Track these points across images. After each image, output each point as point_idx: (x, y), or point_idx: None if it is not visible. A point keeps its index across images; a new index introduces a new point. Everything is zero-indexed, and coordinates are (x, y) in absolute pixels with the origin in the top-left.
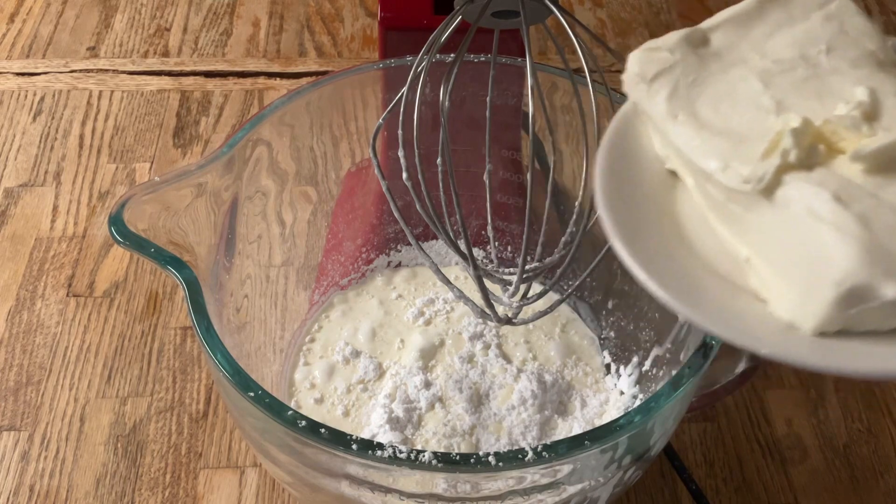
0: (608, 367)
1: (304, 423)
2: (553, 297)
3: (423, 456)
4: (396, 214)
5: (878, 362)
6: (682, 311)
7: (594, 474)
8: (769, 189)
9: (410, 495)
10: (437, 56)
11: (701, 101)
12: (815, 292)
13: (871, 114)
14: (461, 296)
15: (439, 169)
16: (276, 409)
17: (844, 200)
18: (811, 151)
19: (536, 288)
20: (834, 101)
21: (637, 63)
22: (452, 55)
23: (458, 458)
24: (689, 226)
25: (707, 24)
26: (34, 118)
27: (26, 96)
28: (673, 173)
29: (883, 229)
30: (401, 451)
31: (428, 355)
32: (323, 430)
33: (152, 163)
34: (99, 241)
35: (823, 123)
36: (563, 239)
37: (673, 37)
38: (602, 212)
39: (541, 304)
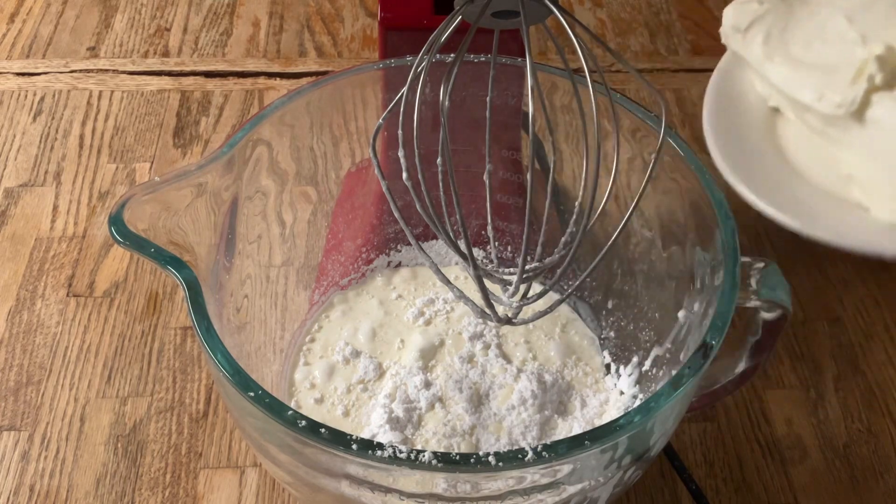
0: (608, 367)
1: (304, 423)
2: (553, 297)
3: (423, 456)
4: (396, 214)
5: None
6: (793, 225)
7: (594, 474)
8: (861, 110)
9: (410, 495)
10: (437, 56)
11: (793, 42)
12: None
13: None
14: (461, 296)
15: (439, 169)
16: (276, 409)
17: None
18: (894, 73)
19: (536, 288)
20: None
21: (732, 16)
22: (452, 55)
23: (458, 458)
24: (793, 152)
25: None
26: (34, 118)
27: (26, 96)
28: (775, 109)
29: None
30: (401, 451)
31: (428, 355)
32: (323, 430)
33: (152, 163)
34: (99, 241)
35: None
36: (563, 239)
37: None
38: (713, 150)
39: (541, 304)
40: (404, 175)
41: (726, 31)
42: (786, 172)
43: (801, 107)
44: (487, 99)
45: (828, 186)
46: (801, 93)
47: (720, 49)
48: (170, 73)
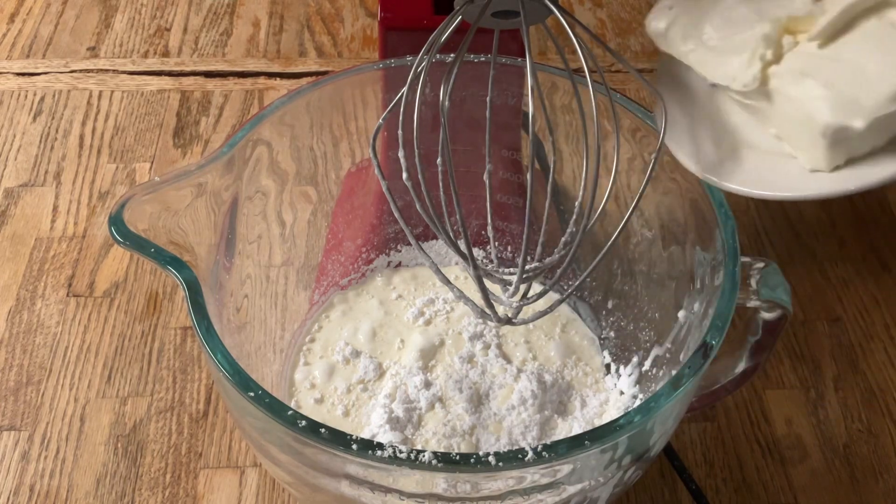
0: (608, 367)
1: (304, 423)
2: (553, 297)
3: (423, 456)
4: (396, 214)
5: (882, 171)
6: (737, 189)
7: (594, 474)
8: (763, 84)
9: (410, 495)
10: (437, 56)
11: (707, 32)
12: (816, 143)
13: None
14: (461, 296)
15: (439, 169)
16: (276, 409)
17: (812, 73)
18: (781, 47)
19: (536, 288)
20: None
21: (651, 23)
22: (452, 55)
23: (458, 458)
24: (734, 121)
25: None
26: (34, 118)
27: (26, 96)
28: (714, 85)
29: (843, 83)
30: (401, 451)
31: (428, 355)
32: (323, 430)
33: (152, 163)
34: (99, 241)
35: (787, 20)
36: (563, 239)
37: None
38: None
39: (541, 304)
40: (404, 175)
41: (653, 36)
42: (727, 141)
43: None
44: (487, 99)
45: (766, 147)
46: (716, 77)
47: None
48: (170, 73)
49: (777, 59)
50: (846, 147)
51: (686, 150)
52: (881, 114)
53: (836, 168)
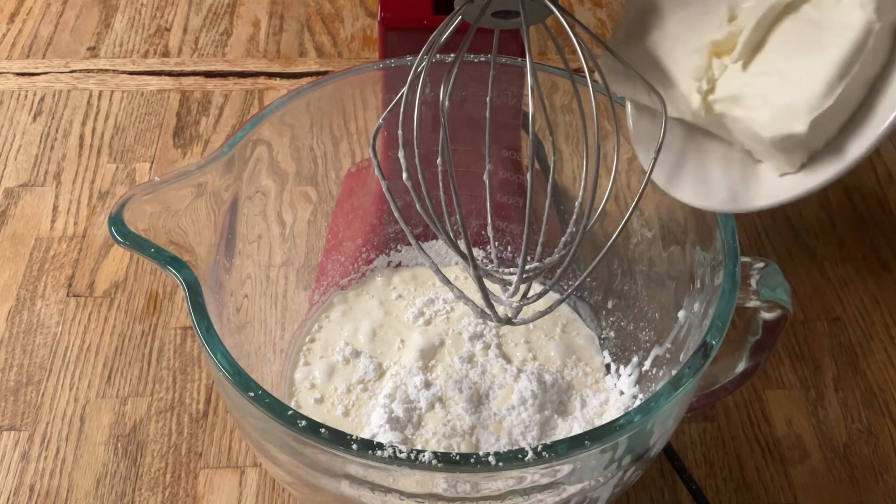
0: (608, 367)
1: (304, 423)
2: (553, 297)
3: (423, 456)
4: (396, 214)
5: (843, 161)
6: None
7: (594, 474)
8: (709, 111)
9: (410, 495)
10: (437, 56)
11: (651, 67)
12: (771, 154)
13: (732, 20)
14: (461, 296)
15: (439, 169)
16: (276, 409)
17: (745, 94)
18: (713, 73)
19: (536, 288)
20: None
21: (604, 69)
22: (452, 55)
23: (458, 458)
24: (701, 133)
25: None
26: (34, 118)
27: (26, 96)
28: None
29: (776, 94)
30: (401, 451)
31: (428, 355)
32: (323, 430)
33: (152, 163)
34: (99, 241)
35: (712, 45)
36: (563, 239)
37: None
38: (635, 146)
39: (541, 304)
40: (404, 175)
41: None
42: (694, 153)
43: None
44: (487, 99)
45: (738, 159)
46: (669, 111)
47: None
48: (170, 73)
49: (712, 86)
50: (802, 147)
51: (667, 176)
52: (818, 113)
53: (802, 166)
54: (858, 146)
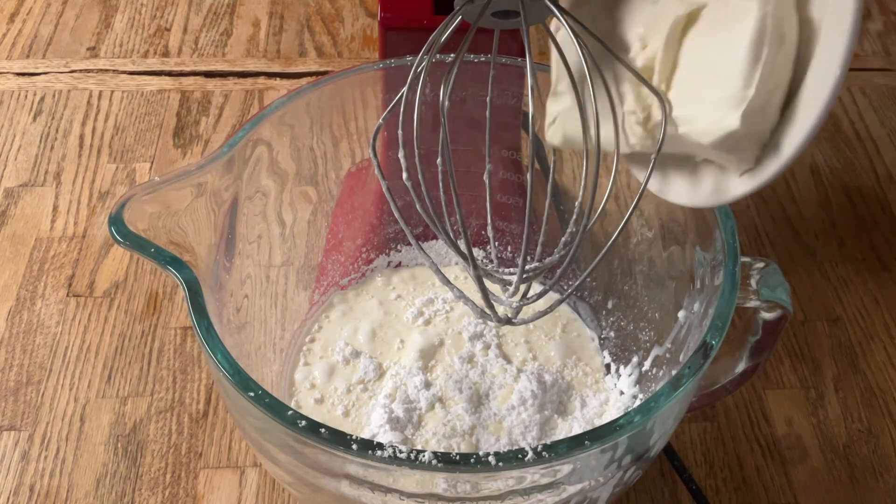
0: (608, 367)
1: (304, 423)
2: (553, 297)
3: (423, 456)
4: (396, 214)
5: (789, 147)
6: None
7: (594, 474)
8: (653, 137)
9: (410, 495)
10: (437, 56)
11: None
12: (722, 155)
13: (645, 48)
14: (461, 296)
15: (439, 169)
16: (276, 409)
17: (677, 113)
18: (646, 101)
19: (536, 288)
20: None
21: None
22: (452, 55)
23: (458, 458)
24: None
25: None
26: (34, 118)
27: (26, 96)
28: None
29: (702, 100)
30: (401, 451)
31: (428, 355)
32: (323, 430)
33: (152, 163)
34: (99, 241)
35: (639, 72)
36: (563, 239)
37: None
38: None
39: (541, 304)
40: (404, 175)
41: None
42: (679, 157)
43: None
44: (487, 99)
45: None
46: (622, 145)
47: None
48: (170, 73)
49: (647, 114)
50: (748, 141)
51: (659, 181)
52: (745, 104)
53: (758, 161)
54: (808, 115)
